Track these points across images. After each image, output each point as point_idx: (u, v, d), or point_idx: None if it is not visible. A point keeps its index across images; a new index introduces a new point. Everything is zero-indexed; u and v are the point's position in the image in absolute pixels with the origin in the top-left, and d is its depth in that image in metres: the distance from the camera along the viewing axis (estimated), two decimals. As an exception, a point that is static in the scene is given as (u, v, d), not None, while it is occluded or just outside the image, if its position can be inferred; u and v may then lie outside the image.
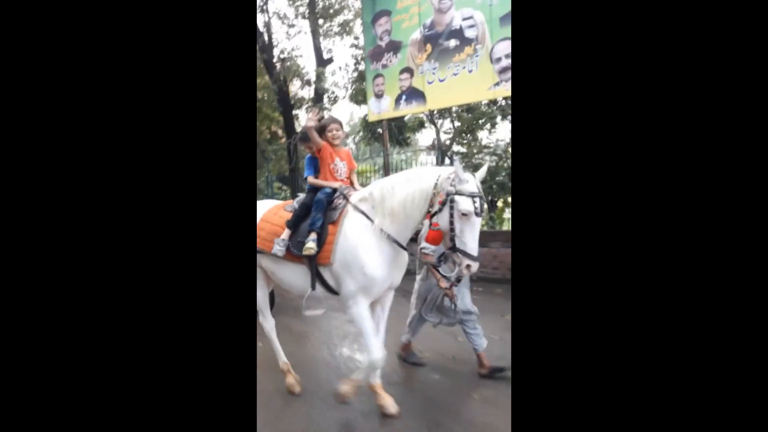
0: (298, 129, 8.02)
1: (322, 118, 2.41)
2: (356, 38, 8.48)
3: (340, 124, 2.41)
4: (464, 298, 2.61)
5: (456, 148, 8.38)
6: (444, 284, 2.40)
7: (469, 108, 7.60)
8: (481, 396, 2.39)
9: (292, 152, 7.95)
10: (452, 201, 1.82)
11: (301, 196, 2.35)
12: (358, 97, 8.56)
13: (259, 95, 8.49)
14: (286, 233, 2.21)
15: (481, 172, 1.96)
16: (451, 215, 1.83)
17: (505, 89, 4.91)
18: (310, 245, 2.05)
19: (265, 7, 8.12)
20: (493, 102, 7.35)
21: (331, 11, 8.27)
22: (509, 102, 6.53)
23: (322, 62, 8.53)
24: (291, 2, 8.27)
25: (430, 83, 5.54)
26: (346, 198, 2.18)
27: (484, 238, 3.56)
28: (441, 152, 7.39)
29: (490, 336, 2.75)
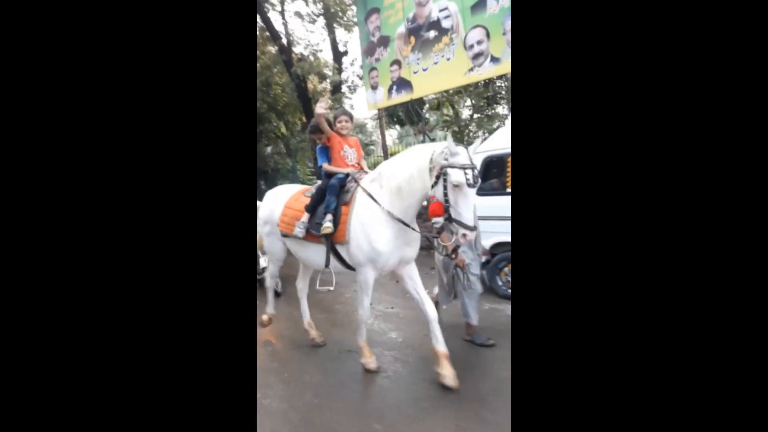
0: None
1: (332, 107, 2.84)
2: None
3: (350, 116, 2.67)
4: (476, 269, 2.74)
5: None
6: (453, 254, 2.52)
7: (486, 83, 7.77)
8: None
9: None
10: (445, 174, 1.92)
11: (319, 182, 2.61)
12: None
13: (283, 91, 9.61)
14: (305, 216, 2.48)
15: (475, 145, 2.11)
16: (445, 187, 1.93)
17: (479, 74, 5.29)
18: (327, 225, 2.29)
19: (283, 10, 9.03)
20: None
21: (342, 7, 8.91)
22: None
23: (338, 55, 9.29)
24: (306, 3, 9.06)
25: (415, 73, 6.06)
26: (356, 181, 2.40)
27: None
28: (459, 128, 7.68)
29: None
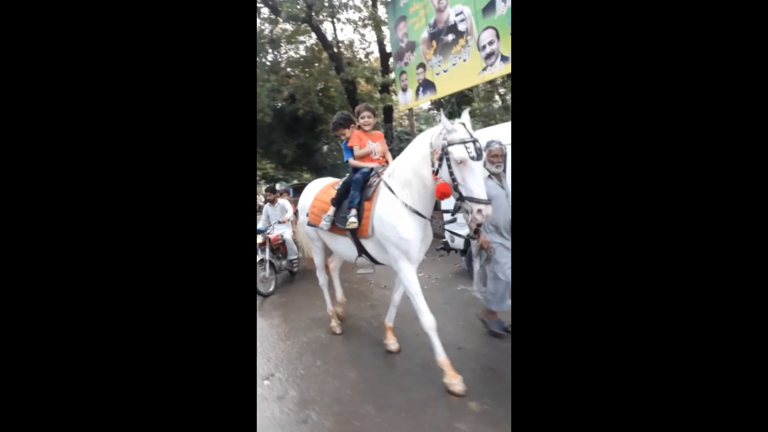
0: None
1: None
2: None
3: (372, 111, 2.69)
4: (503, 255, 2.58)
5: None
6: (476, 234, 2.46)
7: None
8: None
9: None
10: (446, 153, 1.86)
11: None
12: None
13: (340, 94, 10.64)
14: (331, 210, 2.57)
15: (465, 116, 1.96)
16: (449, 166, 1.87)
17: (491, 73, 5.56)
18: (352, 220, 2.34)
19: (335, 20, 9.96)
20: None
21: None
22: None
23: (385, 55, 9.96)
24: (355, 11, 9.86)
25: (438, 75, 6.49)
26: (379, 176, 2.43)
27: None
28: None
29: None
